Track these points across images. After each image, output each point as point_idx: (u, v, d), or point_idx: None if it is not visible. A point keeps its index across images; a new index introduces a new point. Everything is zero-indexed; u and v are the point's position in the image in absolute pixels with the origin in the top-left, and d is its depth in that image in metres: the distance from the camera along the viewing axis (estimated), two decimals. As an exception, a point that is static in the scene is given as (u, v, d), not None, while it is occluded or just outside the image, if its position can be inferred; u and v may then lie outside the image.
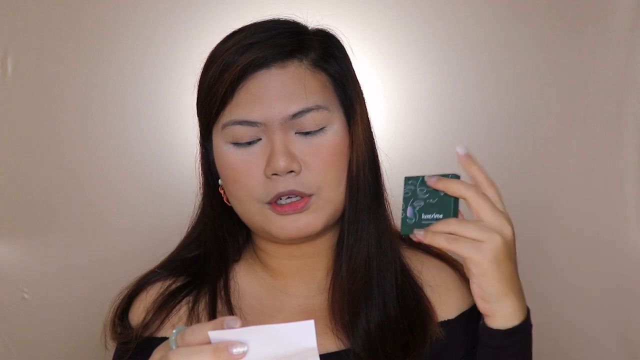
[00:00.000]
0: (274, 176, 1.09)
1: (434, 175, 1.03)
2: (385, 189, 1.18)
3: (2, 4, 1.77)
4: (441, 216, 1.03)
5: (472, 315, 1.18)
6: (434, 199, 1.04)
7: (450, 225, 1.01)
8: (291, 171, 1.09)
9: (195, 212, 1.22)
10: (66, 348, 1.79)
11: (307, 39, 1.13)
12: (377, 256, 1.15)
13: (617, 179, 1.77)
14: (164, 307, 1.17)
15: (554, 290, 1.78)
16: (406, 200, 1.05)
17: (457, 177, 1.03)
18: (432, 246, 1.24)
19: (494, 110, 1.80)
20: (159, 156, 1.80)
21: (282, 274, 1.19)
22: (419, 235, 1.02)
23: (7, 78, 1.77)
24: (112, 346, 1.20)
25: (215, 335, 0.85)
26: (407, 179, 1.06)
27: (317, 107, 1.10)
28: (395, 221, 1.19)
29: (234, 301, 1.17)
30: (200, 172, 1.19)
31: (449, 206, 1.03)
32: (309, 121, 1.10)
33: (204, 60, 1.15)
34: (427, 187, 1.04)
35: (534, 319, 1.08)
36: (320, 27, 1.17)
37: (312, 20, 1.17)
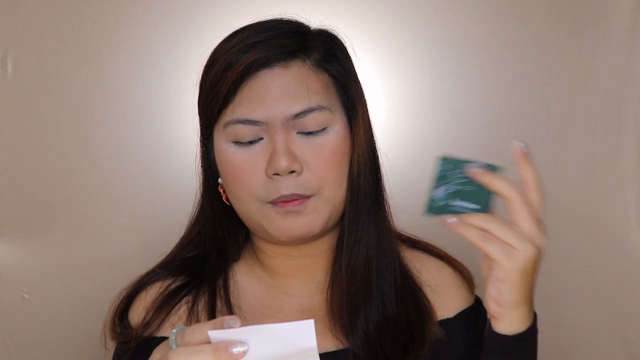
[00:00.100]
0: (275, 176, 1.09)
1: (475, 165, 0.98)
2: (385, 190, 1.18)
3: (2, 4, 1.77)
4: (473, 207, 0.98)
5: (472, 314, 1.18)
6: (470, 187, 0.98)
7: (487, 222, 0.96)
8: (292, 171, 1.09)
9: (194, 211, 1.22)
10: (66, 348, 1.80)
11: (310, 39, 1.13)
12: (377, 257, 1.15)
13: (617, 179, 1.77)
14: (164, 306, 1.17)
15: (554, 290, 1.78)
16: (437, 179, 0.99)
17: (495, 168, 0.97)
18: (431, 246, 1.24)
19: (494, 110, 1.80)
20: (159, 156, 1.80)
21: (282, 274, 1.19)
22: (450, 221, 0.97)
23: (7, 78, 1.77)
24: (111, 346, 1.20)
25: (215, 334, 0.85)
26: (442, 158, 0.99)
27: (320, 108, 1.10)
28: (395, 222, 1.19)
29: (233, 300, 1.17)
30: (200, 170, 1.19)
31: (485, 199, 0.97)
32: (311, 121, 1.10)
33: (206, 59, 1.15)
34: (465, 171, 0.98)
35: (534, 319, 1.08)
36: (322, 27, 1.17)
37: (314, 20, 1.17)
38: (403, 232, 1.24)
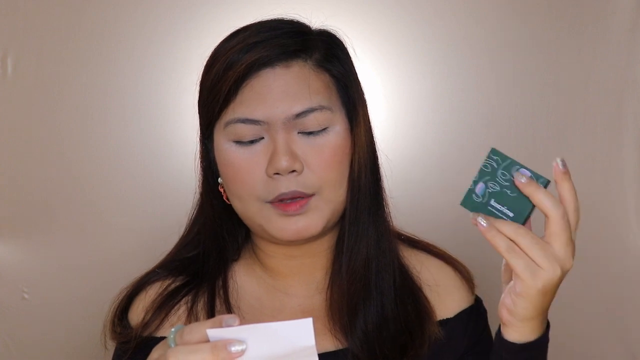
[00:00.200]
0: (276, 175, 1.09)
1: (523, 172, 0.95)
2: (385, 191, 1.18)
3: (2, 4, 1.77)
4: (511, 215, 0.95)
5: (472, 314, 1.18)
6: (512, 192, 0.95)
7: (518, 234, 0.94)
8: (293, 171, 1.09)
9: (193, 210, 1.22)
10: (66, 348, 1.80)
11: (311, 39, 1.13)
12: (376, 257, 1.15)
13: (617, 179, 1.77)
14: (163, 306, 1.17)
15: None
16: (482, 173, 0.97)
17: (540, 179, 0.95)
18: (432, 245, 1.24)
19: (494, 110, 1.80)
20: (159, 156, 1.80)
21: (282, 274, 1.19)
22: (481, 223, 0.95)
23: (7, 78, 1.77)
24: (111, 346, 1.20)
25: (214, 333, 0.85)
26: (494, 151, 0.97)
27: (321, 108, 1.10)
28: (394, 222, 1.19)
29: (232, 300, 1.17)
30: (200, 170, 1.19)
31: (525, 210, 0.95)
32: (312, 121, 1.10)
33: (206, 59, 1.15)
34: (511, 175, 0.95)
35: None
36: (323, 27, 1.17)
37: (315, 20, 1.17)
38: (403, 232, 1.23)
